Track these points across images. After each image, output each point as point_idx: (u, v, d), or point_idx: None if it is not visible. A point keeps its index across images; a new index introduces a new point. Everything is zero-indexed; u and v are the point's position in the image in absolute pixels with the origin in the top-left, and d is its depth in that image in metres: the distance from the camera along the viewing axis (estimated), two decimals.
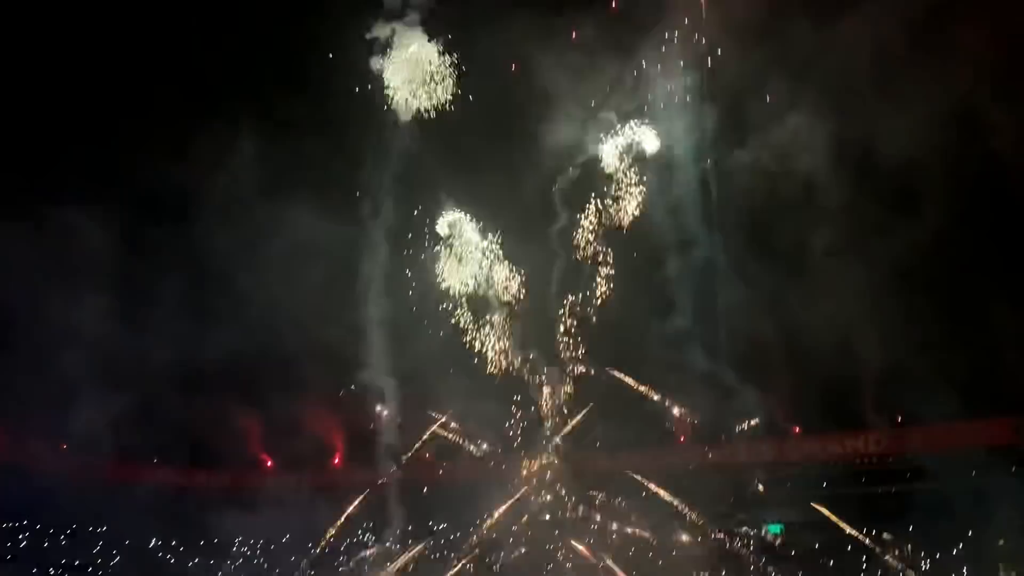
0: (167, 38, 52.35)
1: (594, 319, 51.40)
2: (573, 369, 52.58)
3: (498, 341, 50.97)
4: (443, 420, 55.84)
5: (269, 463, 60.89)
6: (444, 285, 50.26)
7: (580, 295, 51.23)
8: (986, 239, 45.94)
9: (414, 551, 54.03)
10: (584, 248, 50.82)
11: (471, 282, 50.60)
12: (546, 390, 52.86)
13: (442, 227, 50.59)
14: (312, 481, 59.07)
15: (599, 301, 51.13)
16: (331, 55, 48.72)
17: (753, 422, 52.16)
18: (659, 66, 48.34)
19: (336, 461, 60.39)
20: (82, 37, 50.81)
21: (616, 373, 53.08)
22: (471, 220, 50.77)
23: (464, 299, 50.62)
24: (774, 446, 53.12)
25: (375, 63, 49.12)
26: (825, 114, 46.31)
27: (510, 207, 50.51)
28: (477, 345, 50.87)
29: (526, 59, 47.10)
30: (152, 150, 50.74)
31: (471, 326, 50.67)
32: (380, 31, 49.13)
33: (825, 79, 46.54)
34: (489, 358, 51.02)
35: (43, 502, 52.56)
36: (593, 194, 50.45)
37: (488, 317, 50.89)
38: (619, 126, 49.55)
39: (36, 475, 52.75)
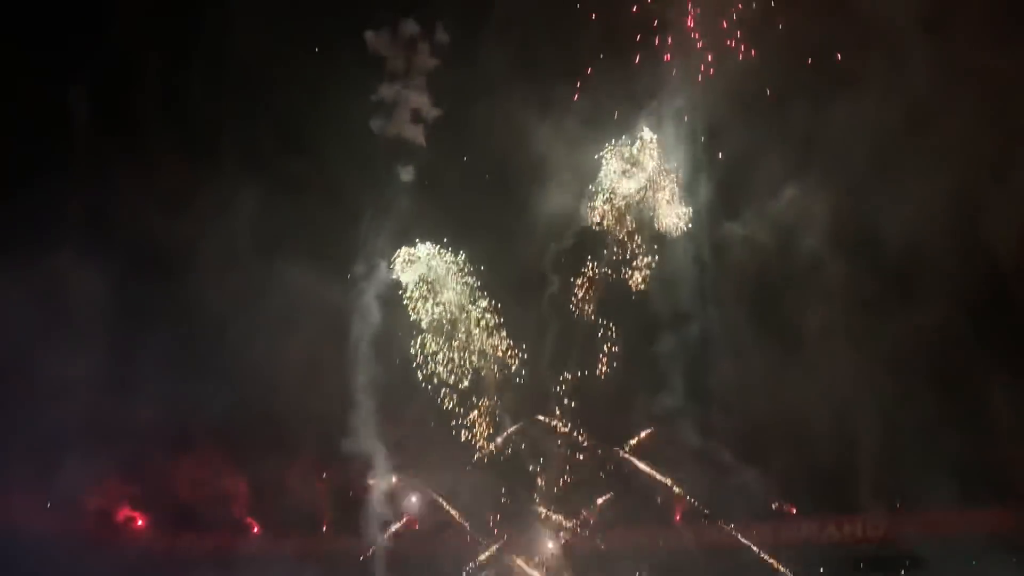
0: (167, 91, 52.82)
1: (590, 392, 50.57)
2: (569, 447, 51.48)
3: (488, 426, 50.07)
4: (433, 497, 54.98)
5: (256, 528, 60.00)
6: (427, 368, 49.51)
7: (577, 372, 50.34)
8: (989, 324, 45.35)
9: None
10: (581, 319, 50.04)
11: (459, 370, 49.71)
12: (540, 473, 51.70)
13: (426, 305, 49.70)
14: (299, 548, 58.02)
15: (599, 373, 50.24)
16: (328, 115, 48.98)
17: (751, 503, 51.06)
18: (656, 139, 48.04)
19: (324, 528, 59.43)
20: (80, 90, 51.42)
21: (613, 450, 52.23)
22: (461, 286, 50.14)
23: (449, 381, 49.60)
24: (771, 528, 51.76)
25: (375, 125, 49.33)
26: (824, 194, 46.25)
27: (503, 276, 50.27)
28: (464, 433, 49.78)
29: (523, 127, 47.03)
30: (143, 208, 50.59)
31: (458, 409, 49.56)
32: (385, 92, 49.34)
33: (827, 157, 46.49)
34: (477, 446, 50.03)
35: (22, 562, 50.89)
36: (589, 259, 49.86)
37: (475, 400, 49.89)
38: (617, 197, 49.01)
39: (16, 534, 51.77)
